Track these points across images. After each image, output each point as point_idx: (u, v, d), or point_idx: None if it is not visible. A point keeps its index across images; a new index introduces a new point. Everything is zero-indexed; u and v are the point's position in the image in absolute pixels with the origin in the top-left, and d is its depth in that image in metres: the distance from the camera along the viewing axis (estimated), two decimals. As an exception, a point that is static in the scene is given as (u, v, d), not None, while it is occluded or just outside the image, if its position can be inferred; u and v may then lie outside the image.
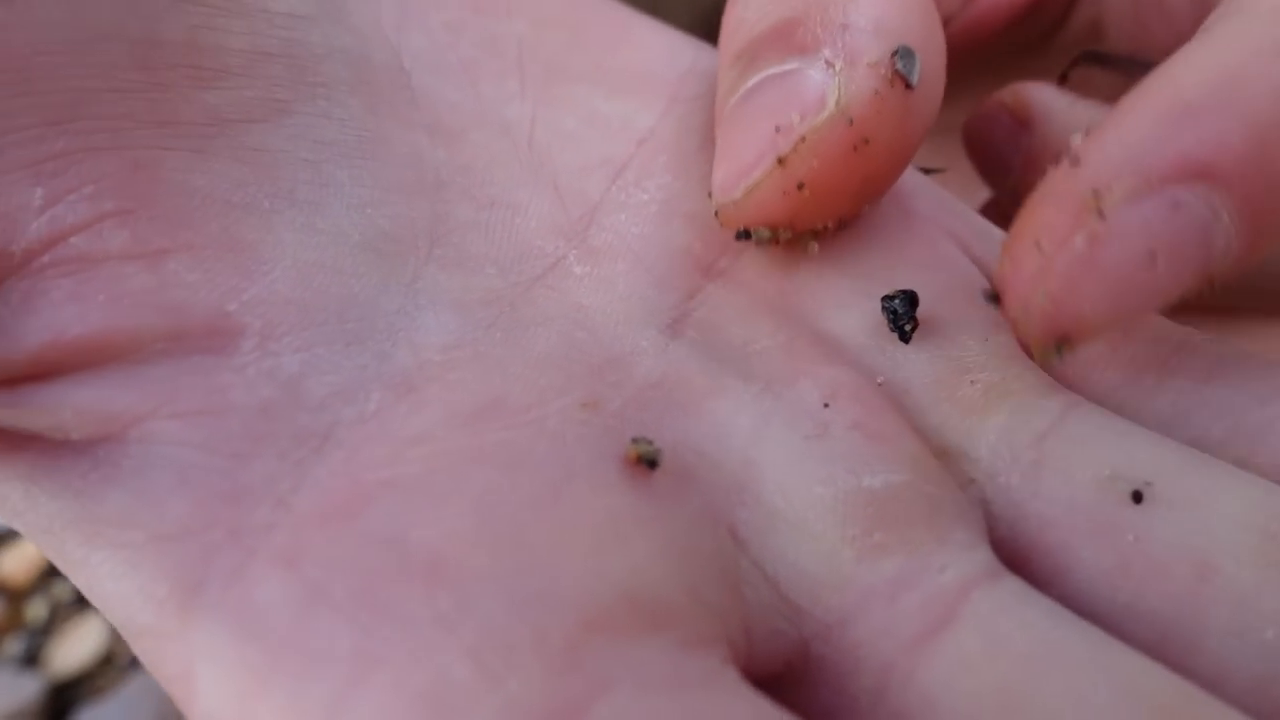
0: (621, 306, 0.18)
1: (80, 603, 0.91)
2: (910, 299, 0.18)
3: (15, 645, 0.88)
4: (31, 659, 0.88)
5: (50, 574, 0.93)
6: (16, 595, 0.92)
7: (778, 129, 0.17)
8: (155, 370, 0.14)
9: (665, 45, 0.22)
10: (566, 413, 0.16)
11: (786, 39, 0.18)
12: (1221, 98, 0.14)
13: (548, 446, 0.15)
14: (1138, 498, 0.15)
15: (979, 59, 0.26)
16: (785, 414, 0.17)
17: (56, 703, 0.85)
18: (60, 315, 0.14)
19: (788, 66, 0.18)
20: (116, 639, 0.88)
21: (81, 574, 0.14)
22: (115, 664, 0.87)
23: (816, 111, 0.17)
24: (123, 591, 0.14)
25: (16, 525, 0.15)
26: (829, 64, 0.17)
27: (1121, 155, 0.14)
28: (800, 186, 0.17)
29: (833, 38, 0.18)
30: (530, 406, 0.16)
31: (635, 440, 0.15)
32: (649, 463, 0.15)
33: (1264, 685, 0.13)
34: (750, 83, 0.18)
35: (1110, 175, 0.14)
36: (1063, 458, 0.15)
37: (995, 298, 0.17)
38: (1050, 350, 0.16)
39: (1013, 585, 0.14)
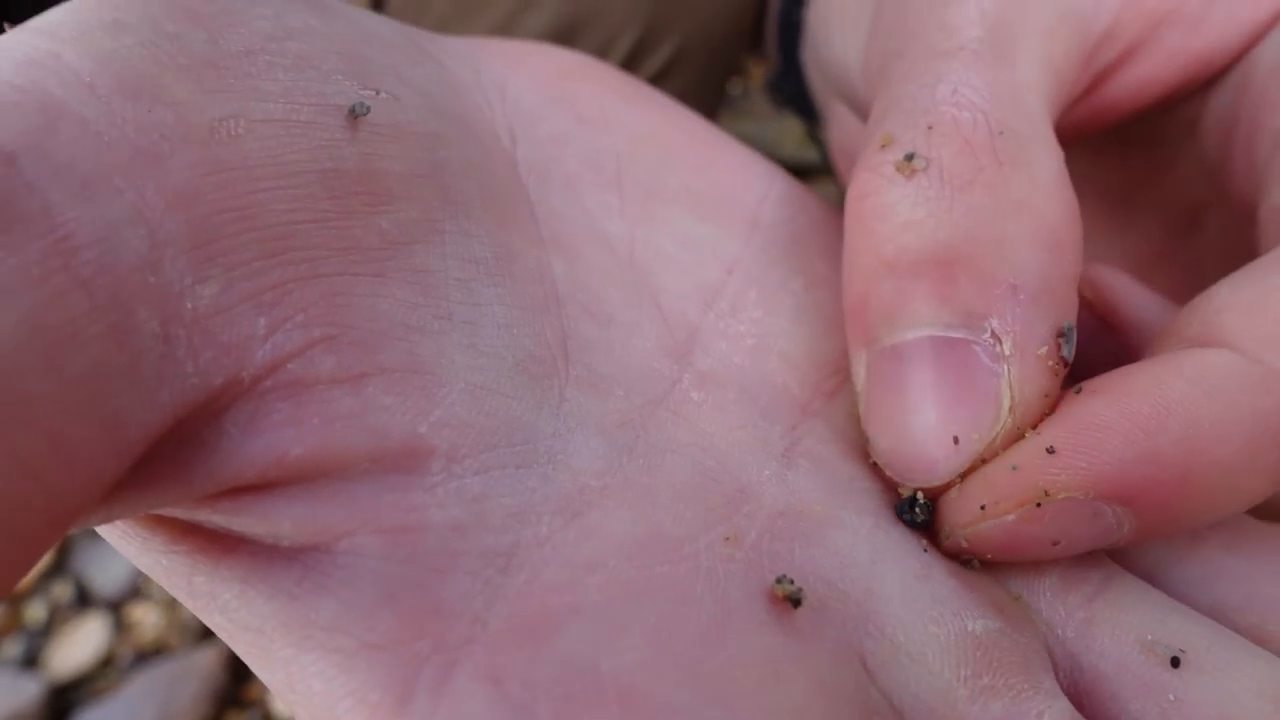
0: (740, 435, 0.19)
1: (80, 604, 0.91)
2: (926, 504, 0.20)
3: (15, 647, 0.88)
4: (31, 660, 0.88)
5: (49, 575, 0.93)
6: (16, 597, 0.91)
7: (956, 440, 0.18)
8: (360, 488, 0.15)
9: (744, 167, 0.24)
10: (714, 548, 0.17)
11: (948, 287, 0.18)
12: (1175, 455, 0.17)
13: (704, 583, 0.16)
14: (1175, 663, 0.17)
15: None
16: (895, 552, 0.18)
17: (56, 704, 0.85)
18: (282, 436, 0.15)
19: (952, 333, 0.18)
20: (116, 641, 0.88)
21: (283, 671, 0.15)
22: (115, 666, 0.87)
23: (992, 420, 0.18)
24: (331, 692, 0.15)
25: (217, 620, 0.16)
26: (996, 339, 0.18)
27: (1086, 471, 0.17)
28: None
29: (1001, 304, 0.18)
30: (683, 540, 0.17)
31: (779, 580, 0.17)
32: (794, 602, 0.16)
33: None
34: (908, 336, 0.19)
35: (1069, 482, 0.17)
36: (1110, 620, 0.18)
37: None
38: (960, 560, 0.19)
39: None
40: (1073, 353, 0.18)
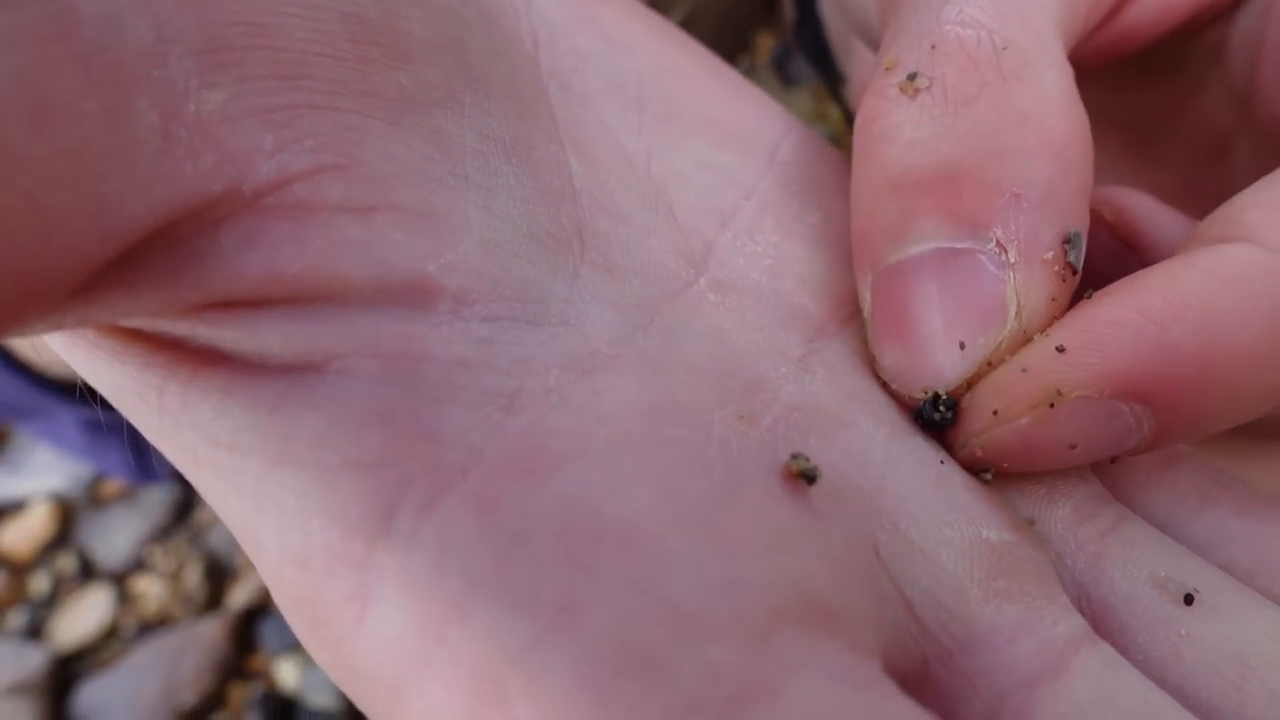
0: (757, 336, 0.19)
1: (84, 575, 0.92)
2: (950, 401, 0.19)
3: (18, 618, 0.88)
4: (35, 632, 0.88)
5: (53, 547, 0.93)
6: (19, 568, 0.92)
7: (962, 345, 0.18)
8: (360, 314, 0.15)
9: (764, 109, 0.24)
10: (728, 422, 0.17)
11: (953, 200, 0.18)
12: (1191, 346, 0.16)
13: (717, 450, 0.16)
14: (1189, 600, 0.17)
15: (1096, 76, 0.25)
16: (910, 458, 0.18)
17: (60, 675, 0.85)
18: (280, 253, 0.15)
19: (958, 244, 0.18)
20: (120, 612, 0.89)
21: (251, 491, 0.15)
22: (119, 637, 0.87)
23: (998, 325, 0.18)
24: (304, 509, 0.14)
25: (186, 437, 0.15)
26: (1001, 248, 0.18)
27: (1097, 366, 0.17)
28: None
29: (1004, 214, 0.18)
30: (696, 412, 0.16)
31: (795, 456, 0.16)
32: (809, 478, 0.16)
33: None
34: (911, 251, 0.18)
35: (1081, 379, 0.17)
36: (1122, 555, 0.18)
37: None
38: (975, 472, 0.19)
39: (1110, 650, 0.17)
40: (1081, 259, 0.18)
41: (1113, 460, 0.19)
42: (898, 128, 0.19)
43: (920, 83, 0.19)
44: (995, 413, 0.18)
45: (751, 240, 0.21)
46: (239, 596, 0.87)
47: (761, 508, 0.15)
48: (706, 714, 0.13)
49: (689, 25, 0.44)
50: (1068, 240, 0.18)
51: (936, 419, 0.19)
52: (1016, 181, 0.18)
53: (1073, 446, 0.17)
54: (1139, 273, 0.18)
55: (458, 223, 0.16)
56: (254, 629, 0.86)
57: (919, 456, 0.18)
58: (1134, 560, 0.18)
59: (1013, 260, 0.18)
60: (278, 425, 0.15)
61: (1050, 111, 0.18)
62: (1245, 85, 0.24)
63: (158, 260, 0.14)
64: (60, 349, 0.17)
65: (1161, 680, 0.17)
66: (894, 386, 0.19)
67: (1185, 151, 0.27)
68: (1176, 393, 0.17)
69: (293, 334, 0.15)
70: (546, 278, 0.17)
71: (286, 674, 0.83)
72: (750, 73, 1.04)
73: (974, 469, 0.19)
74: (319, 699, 0.81)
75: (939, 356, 0.18)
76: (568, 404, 0.16)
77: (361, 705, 0.15)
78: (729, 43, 0.48)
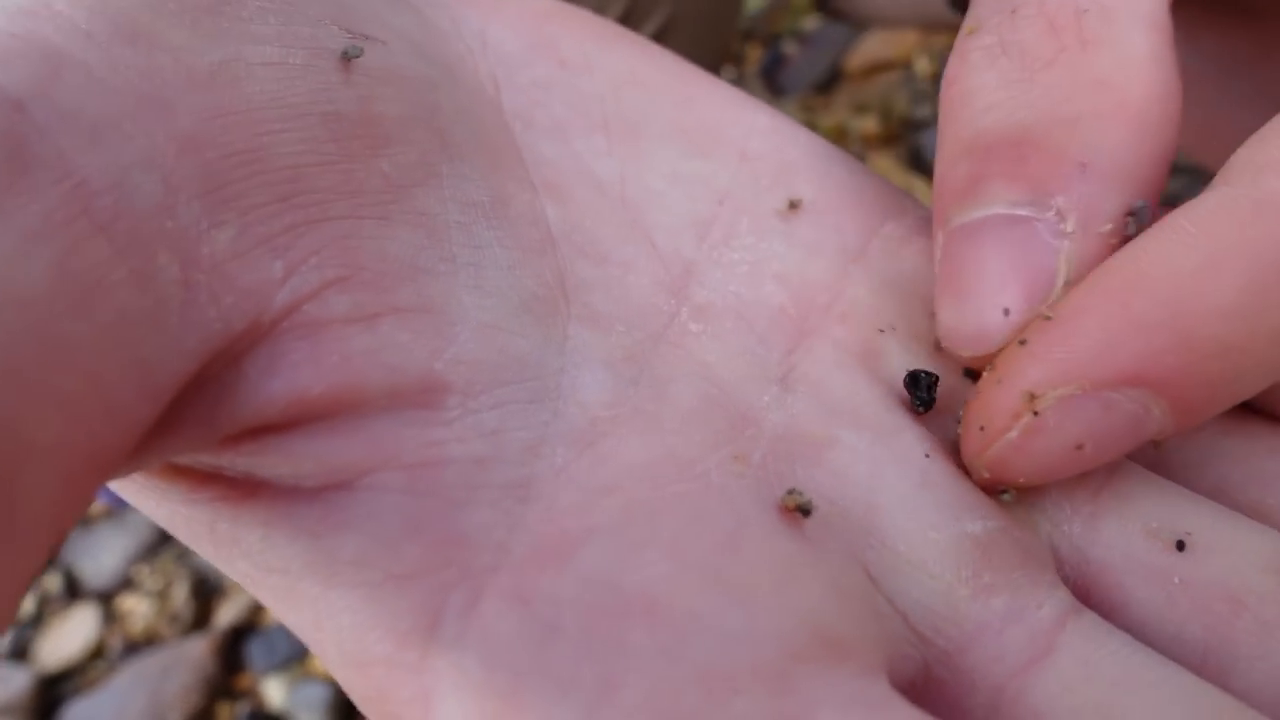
0: (738, 363, 0.20)
1: (69, 595, 0.91)
2: (929, 379, 0.20)
3: (3, 639, 0.88)
4: (20, 652, 0.87)
5: (38, 566, 0.92)
6: (4, 588, 0.91)
7: (1006, 312, 0.18)
8: (379, 424, 0.16)
9: (729, 104, 0.24)
10: (724, 466, 0.17)
11: (1019, 166, 0.18)
12: (1163, 316, 0.16)
13: (718, 498, 0.17)
14: (1180, 546, 0.17)
15: None
16: (894, 462, 0.18)
17: (46, 696, 0.84)
18: (302, 375, 0.15)
19: (1018, 210, 0.18)
20: (106, 632, 0.88)
21: (310, 610, 0.16)
22: (105, 657, 0.86)
23: (1044, 294, 0.18)
24: (359, 625, 0.15)
25: (241, 566, 0.16)
26: (1060, 217, 0.18)
27: (1067, 360, 0.16)
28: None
29: (1068, 182, 0.18)
30: (694, 461, 0.17)
31: (790, 492, 0.17)
32: (804, 511, 0.17)
33: None
34: (976, 215, 0.18)
35: (1051, 377, 0.16)
36: (1115, 511, 0.18)
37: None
38: (995, 494, 0.18)
39: (1093, 619, 0.17)
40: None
41: (1156, 446, 0.18)
42: (975, 92, 0.19)
43: (1002, 48, 0.19)
44: (981, 429, 0.18)
45: (728, 248, 0.21)
46: (226, 615, 0.86)
47: (764, 549, 0.16)
48: None
49: (665, 35, 0.44)
50: (1132, 212, 0.18)
51: (916, 402, 0.19)
52: (1084, 149, 0.17)
53: (1080, 448, 0.17)
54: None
55: (454, 313, 0.17)
56: (241, 648, 0.85)
57: (903, 458, 0.18)
58: (1127, 514, 0.18)
59: (1069, 230, 0.17)
60: (322, 550, 0.16)
61: (1130, 74, 0.18)
62: None
63: (192, 401, 0.15)
64: (115, 486, 0.17)
65: (1159, 631, 0.17)
66: (944, 345, 0.19)
67: None
68: (1163, 367, 0.16)
69: (322, 453, 0.16)
70: (540, 350, 0.18)
71: (274, 693, 0.83)
72: (739, 82, 1.04)
73: (992, 492, 0.18)
74: (306, 717, 0.81)
75: (985, 320, 0.18)
76: (575, 482, 0.16)
77: None
78: (713, 40, 0.48)
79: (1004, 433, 0.17)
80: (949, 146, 0.19)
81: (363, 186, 0.17)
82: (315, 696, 0.81)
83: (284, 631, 0.85)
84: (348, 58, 0.17)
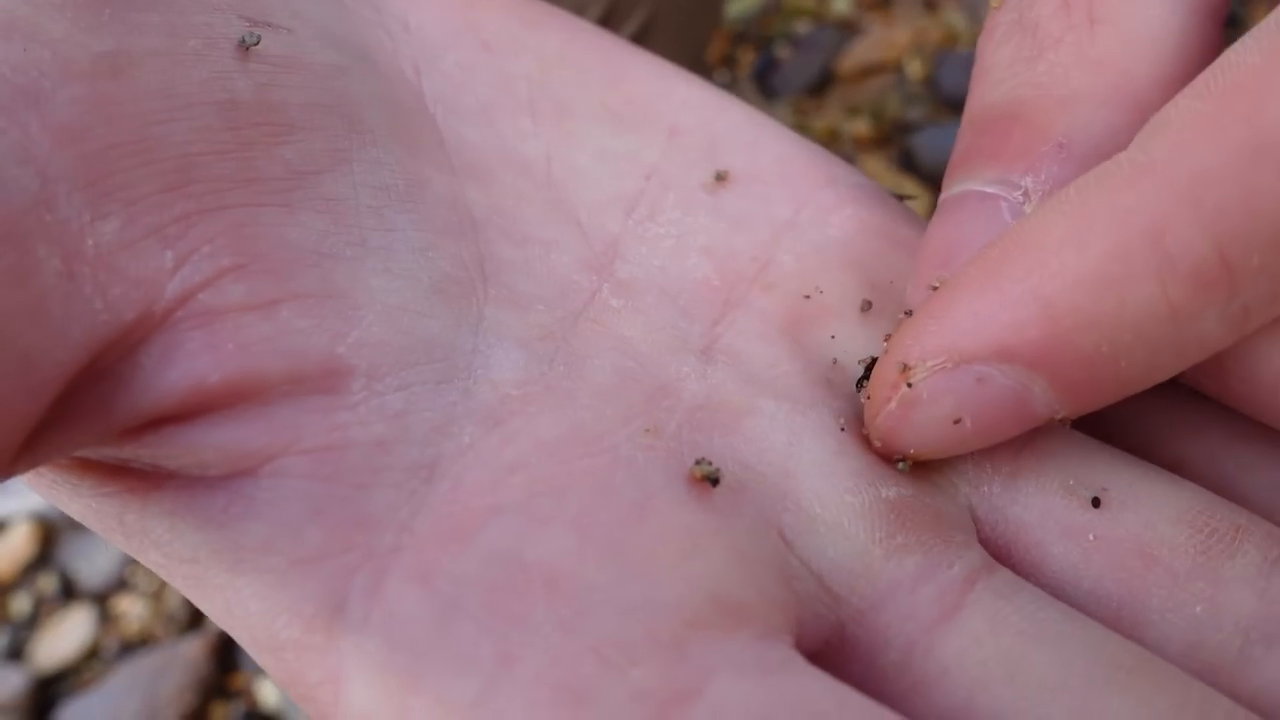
0: (659, 336, 0.20)
1: (65, 596, 0.91)
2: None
3: (-1, 639, 0.88)
4: (15, 653, 0.88)
5: (34, 568, 0.92)
6: (0, 589, 0.91)
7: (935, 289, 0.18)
8: (281, 410, 0.16)
9: (659, 79, 0.24)
10: (634, 439, 0.17)
11: (1002, 144, 0.18)
12: (1026, 286, 0.15)
13: (625, 471, 0.17)
14: (1096, 503, 0.18)
15: None
16: (812, 431, 0.19)
17: (41, 696, 0.84)
18: (198, 364, 0.15)
19: (988, 188, 0.18)
20: (101, 632, 0.88)
21: (220, 597, 0.16)
22: (100, 657, 0.87)
23: None
24: (267, 610, 0.15)
25: (153, 556, 0.16)
26: (1026, 196, 0.18)
27: (937, 332, 0.17)
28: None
29: (1040, 161, 0.17)
30: (603, 435, 0.17)
31: (698, 462, 0.17)
32: (712, 481, 0.17)
33: (1194, 650, 0.17)
34: (958, 190, 0.19)
35: (924, 350, 0.17)
36: (1034, 469, 0.18)
37: None
38: (892, 463, 0.19)
39: (1005, 576, 0.17)
40: None
41: (1064, 423, 0.18)
42: (991, 68, 0.19)
43: (1019, 24, 0.19)
44: (868, 398, 0.18)
45: (654, 223, 0.21)
46: (221, 615, 0.87)
47: (670, 519, 0.16)
48: None
49: (645, 35, 0.44)
50: None
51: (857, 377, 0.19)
52: (1069, 130, 0.17)
53: (958, 422, 0.17)
54: None
55: (360, 296, 0.17)
56: (235, 648, 0.86)
57: (820, 428, 0.19)
58: (1045, 472, 0.18)
59: (1030, 210, 0.17)
60: (227, 538, 0.16)
61: (1132, 55, 0.18)
62: None
63: (87, 393, 0.15)
64: (26, 481, 0.17)
65: (1075, 587, 0.18)
66: (910, 303, 0.19)
67: None
68: (1028, 341, 0.16)
69: (223, 442, 0.16)
70: (451, 332, 0.18)
71: (268, 693, 0.83)
72: (732, 86, 1.05)
73: (889, 461, 0.19)
74: (300, 718, 0.81)
75: (922, 295, 0.18)
76: (482, 460, 0.17)
77: None
78: (694, 39, 0.48)
79: (886, 403, 0.17)
80: (962, 120, 0.19)
81: (262, 174, 0.17)
82: (309, 696, 0.81)
83: (278, 632, 0.85)
84: (245, 45, 0.17)
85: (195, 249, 0.15)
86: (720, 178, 0.22)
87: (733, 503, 0.17)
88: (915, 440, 0.18)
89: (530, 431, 0.17)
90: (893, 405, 0.17)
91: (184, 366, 0.15)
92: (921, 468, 0.19)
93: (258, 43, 0.17)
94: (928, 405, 0.17)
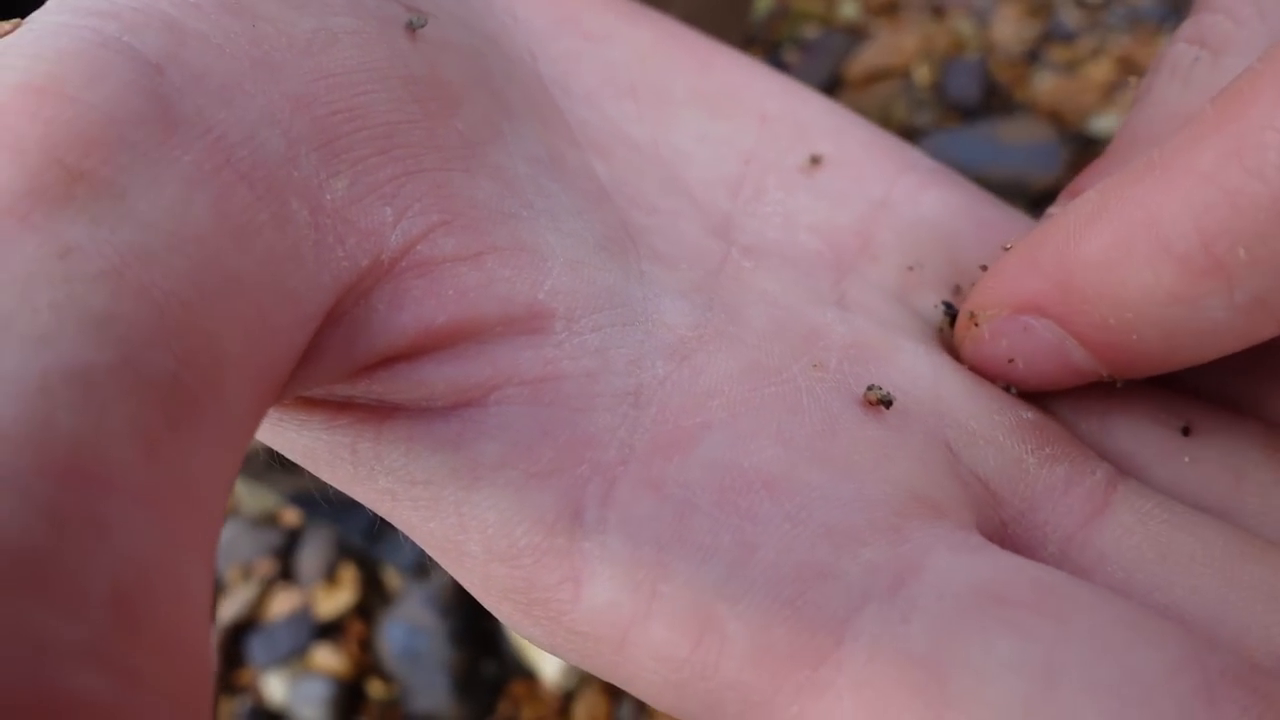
0: (795, 290, 0.22)
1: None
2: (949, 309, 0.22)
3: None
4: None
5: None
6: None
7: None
8: (498, 348, 0.18)
9: (743, 69, 0.25)
10: (806, 372, 0.20)
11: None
12: (1053, 258, 0.18)
13: (808, 397, 0.19)
14: (1186, 431, 0.20)
15: None
16: (949, 367, 0.21)
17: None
18: (425, 308, 0.17)
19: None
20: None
21: (454, 514, 0.17)
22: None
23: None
24: (505, 520, 0.17)
25: (382, 483, 0.18)
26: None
27: (994, 287, 0.20)
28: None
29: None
30: (779, 369, 0.19)
31: (870, 388, 0.19)
32: (885, 403, 0.19)
33: None
34: (1055, 209, 0.21)
35: (983, 300, 0.20)
36: (1123, 410, 0.21)
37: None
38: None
39: (1135, 483, 0.20)
40: None
41: (1115, 384, 0.20)
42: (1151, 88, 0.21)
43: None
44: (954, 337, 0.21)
45: (760, 203, 0.23)
46: (227, 610, 0.86)
47: (857, 434, 0.19)
48: (876, 599, 0.16)
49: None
50: None
51: (945, 325, 0.22)
52: None
53: (1011, 361, 0.20)
54: None
55: (544, 250, 0.19)
56: (242, 643, 0.85)
57: (954, 365, 0.21)
58: (1134, 411, 0.21)
59: None
60: (465, 458, 0.17)
61: None
62: None
63: (330, 335, 0.16)
64: None
65: (1175, 498, 0.20)
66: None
67: None
68: (1053, 303, 0.19)
69: (451, 376, 0.17)
70: (623, 282, 0.20)
71: (274, 688, 0.83)
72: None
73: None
74: (307, 712, 0.81)
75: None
76: (680, 388, 0.18)
77: (581, 659, 0.17)
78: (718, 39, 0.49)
79: (964, 340, 0.21)
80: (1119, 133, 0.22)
81: (444, 143, 0.18)
82: (315, 692, 0.81)
83: (285, 627, 0.85)
84: (413, 28, 0.19)
85: (409, 206, 0.17)
86: (815, 161, 0.24)
87: (904, 421, 0.19)
88: (990, 372, 0.21)
89: (714, 366, 0.19)
90: (967, 343, 0.21)
91: (413, 310, 0.17)
92: (1030, 399, 0.21)
93: (424, 25, 0.19)
94: (989, 344, 0.20)
